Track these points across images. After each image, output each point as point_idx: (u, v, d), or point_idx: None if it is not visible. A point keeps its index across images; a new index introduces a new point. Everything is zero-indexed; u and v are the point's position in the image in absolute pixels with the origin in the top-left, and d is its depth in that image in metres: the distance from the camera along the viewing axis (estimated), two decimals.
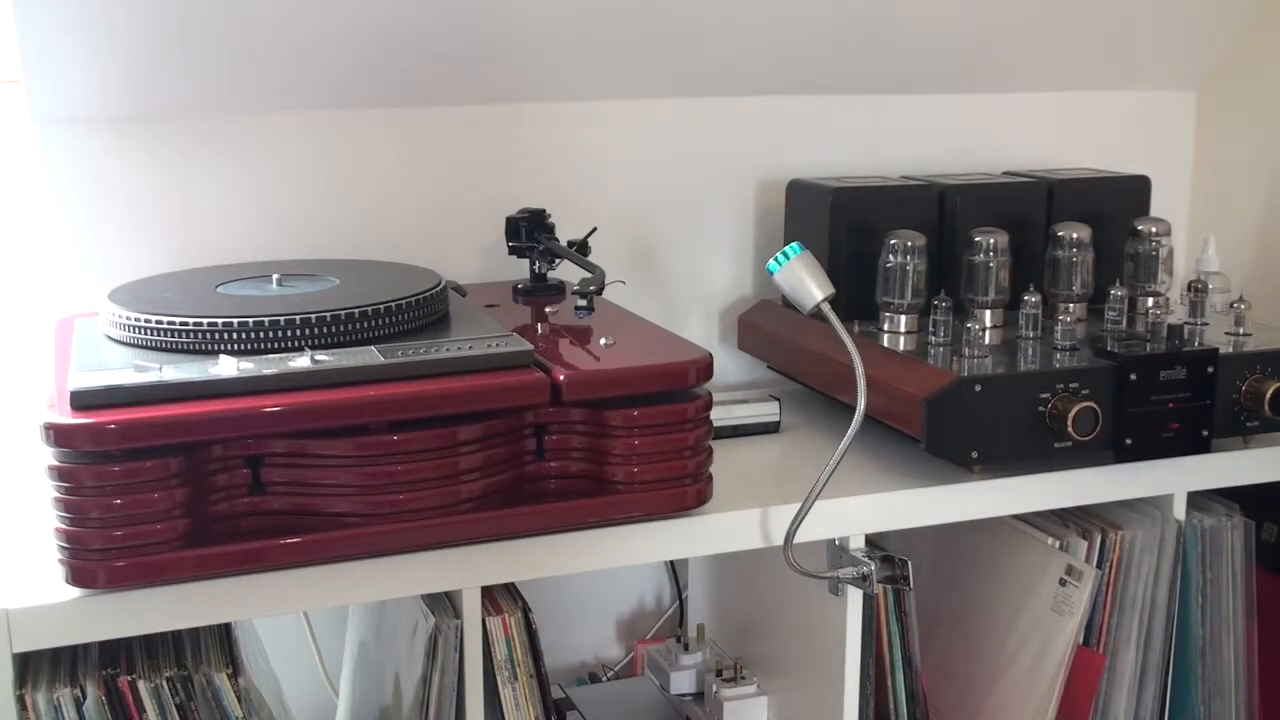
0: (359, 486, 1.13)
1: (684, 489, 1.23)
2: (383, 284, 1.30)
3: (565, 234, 1.54)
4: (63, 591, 1.08)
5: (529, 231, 1.52)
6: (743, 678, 1.53)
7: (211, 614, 1.12)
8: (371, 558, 1.15)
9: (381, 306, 1.22)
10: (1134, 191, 1.67)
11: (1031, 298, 1.46)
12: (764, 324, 1.65)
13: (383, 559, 1.15)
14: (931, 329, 1.45)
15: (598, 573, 1.52)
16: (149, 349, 1.19)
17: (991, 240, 1.50)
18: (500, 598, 1.27)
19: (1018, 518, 1.46)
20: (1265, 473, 1.46)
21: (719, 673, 1.54)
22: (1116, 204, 1.64)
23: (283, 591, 1.13)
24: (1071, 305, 1.52)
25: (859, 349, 1.25)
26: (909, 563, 1.32)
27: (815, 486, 1.24)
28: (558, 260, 1.51)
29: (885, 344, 1.46)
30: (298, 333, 1.18)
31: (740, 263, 1.75)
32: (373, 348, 1.18)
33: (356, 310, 1.21)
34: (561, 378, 1.18)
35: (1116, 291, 1.48)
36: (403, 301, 1.24)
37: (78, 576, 1.07)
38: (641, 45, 1.59)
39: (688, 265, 1.73)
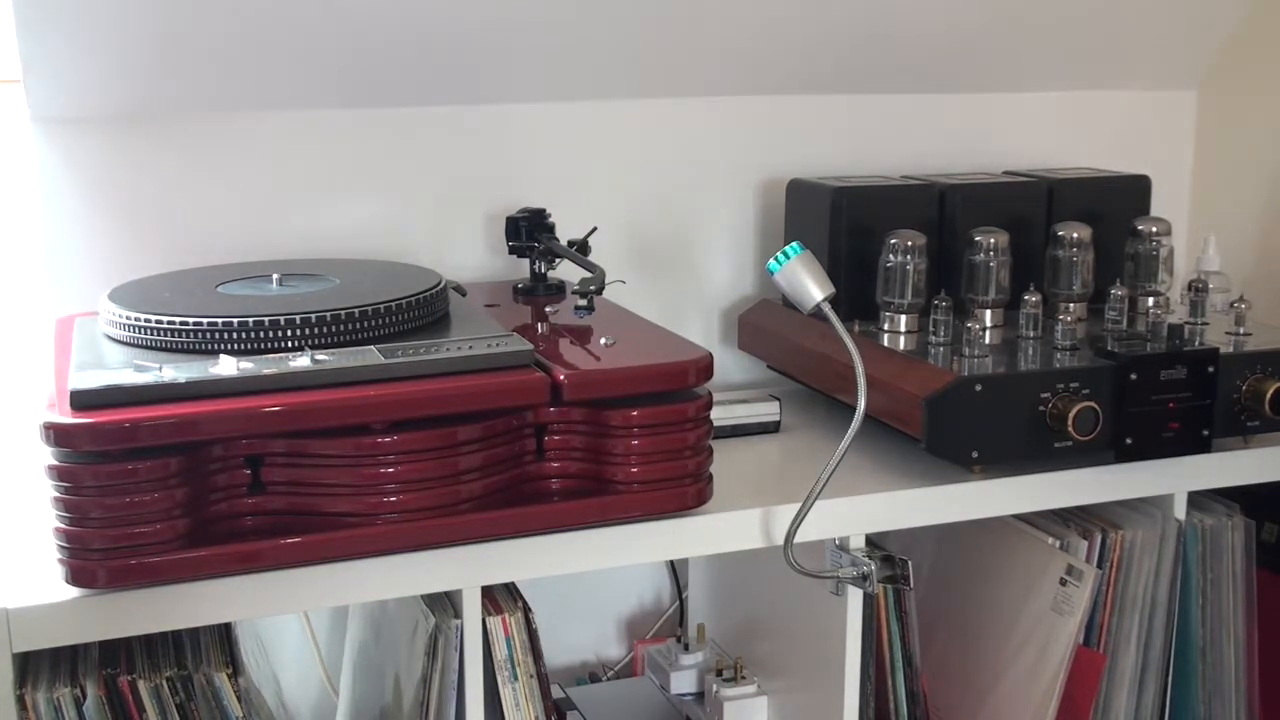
0: (359, 486, 1.13)
1: (684, 489, 1.23)
2: (383, 284, 1.30)
3: (565, 234, 1.54)
4: (63, 591, 1.08)
5: (529, 231, 1.52)
6: (743, 678, 1.53)
7: (211, 614, 1.12)
8: (371, 558, 1.15)
9: (381, 306, 1.22)
10: (1134, 191, 1.67)
11: (1032, 297, 1.46)
12: (764, 324, 1.65)
13: (383, 559, 1.15)
14: (931, 329, 1.45)
15: (598, 573, 1.52)
16: (149, 349, 1.19)
17: (992, 240, 1.50)
18: (500, 598, 1.27)
19: (1018, 517, 1.46)
20: (1265, 473, 1.46)
21: (719, 673, 1.54)
22: (1116, 204, 1.64)
23: (283, 591, 1.13)
24: (1072, 305, 1.52)
25: (859, 349, 1.25)
26: (909, 563, 1.32)
27: (815, 486, 1.24)
28: (558, 260, 1.51)
29: (885, 344, 1.46)
30: (298, 333, 1.18)
31: (740, 263, 1.75)
32: (373, 348, 1.18)
33: (356, 310, 1.21)
34: (562, 377, 1.18)
35: (1117, 291, 1.48)
36: (403, 301, 1.24)
37: (78, 576, 1.07)
38: (642, 45, 1.59)
39: (688, 265, 1.73)
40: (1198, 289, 1.53)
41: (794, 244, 1.30)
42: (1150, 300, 1.57)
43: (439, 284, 1.32)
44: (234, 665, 1.18)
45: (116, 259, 1.47)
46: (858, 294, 1.54)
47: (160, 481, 1.07)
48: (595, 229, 1.55)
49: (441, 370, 1.16)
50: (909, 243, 1.48)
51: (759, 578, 1.52)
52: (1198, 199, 1.95)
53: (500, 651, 1.24)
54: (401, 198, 1.59)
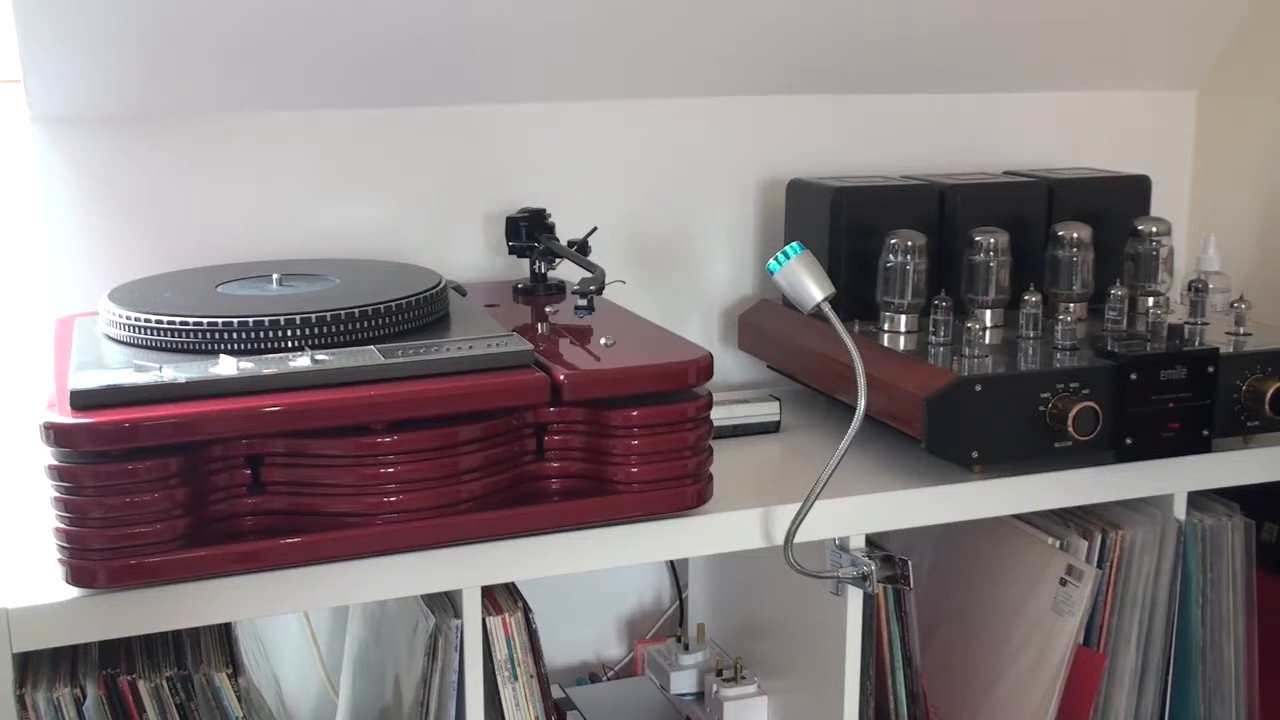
0: (359, 486, 1.13)
1: (684, 489, 1.23)
2: (383, 284, 1.30)
3: (565, 234, 1.54)
4: (63, 591, 1.08)
5: (529, 231, 1.53)
6: (743, 678, 1.53)
7: (211, 614, 1.12)
8: (371, 557, 1.15)
9: (381, 306, 1.22)
10: (1134, 191, 1.67)
11: (1032, 297, 1.46)
12: (764, 324, 1.65)
13: (383, 559, 1.15)
14: (932, 329, 1.45)
15: (598, 573, 1.52)
16: (149, 349, 1.19)
17: (992, 240, 1.50)
18: (500, 598, 1.27)
19: (1018, 517, 1.46)
20: (1265, 473, 1.46)
21: (719, 673, 1.54)
22: (1116, 204, 1.64)
23: (283, 591, 1.13)
24: (1072, 305, 1.52)
25: (859, 349, 1.25)
26: (909, 563, 1.32)
27: (815, 486, 1.24)
28: (558, 260, 1.51)
29: (885, 344, 1.46)
30: (298, 333, 1.18)
31: (740, 263, 1.75)
32: (373, 348, 1.18)
33: (356, 310, 1.21)
34: (562, 377, 1.18)
35: (1117, 291, 1.48)
36: (403, 301, 1.24)
37: (78, 576, 1.07)
38: (642, 45, 1.59)
39: (688, 265, 1.73)
40: (1198, 289, 1.53)
41: (794, 244, 1.30)
42: (1150, 300, 1.57)
43: (439, 284, 1.32)
44: (234, 665, 1.18)
45: (116, 259, 1.47)
46: (858, 294, 1.53)
47: (160, 481, 1.07)
48: (595, 229, 1.55)
49: (441, 370, 1.16)
50: (909, 243, 1.48)
51: (759, 578, 1.52)
52: (1198, 199, 1.95)
53: (500, 651, 1.24)
54: (401, 198, 1.59)
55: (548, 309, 1.45)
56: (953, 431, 1.32)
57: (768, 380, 1.71)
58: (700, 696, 1.58)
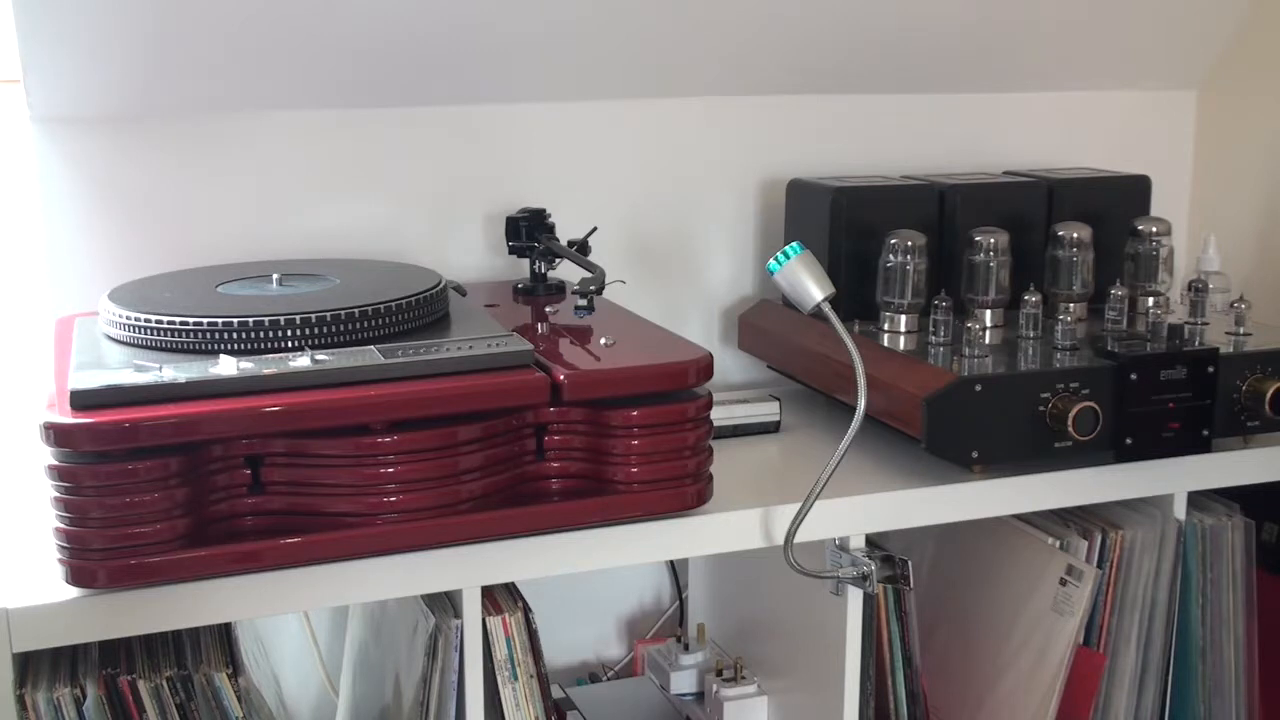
0: (359, 486, 1.13)
1: (684, 489, 1.23)
2: (383, 284, 1.30)
3: (565, 234, 1.54)
4: (63, 591, 1.08)
5: (529, 231, 1.53)
6: (743, 678, 1.53)
7: (211, 614, 1.12)
8: (371, 557, 1.15)
9: (381, 306, 1.22)
10: (1134, 191, 1.67)
11: (1032, 297, 1.46)
12: (764, 324, 1.65)
13: (383, 559, 1.15)
14: (932, 329, 1.45)
15: (598, 573, 1.52)
16: (149, 349, 1.19)
17: (992, 240, 1.50)
18: (500, 598, 1.27)
19: (1018, 517, 1.46)
20: (1265, 473, 1.46)
21: (719, 673, 1.54)
22: (1116, 204, 1.64)
23: (283, 591, 1.13)
24: (1072, 305, 1.52)
25: (859, 349, 1.25)
26: (909, 563, 1.32)
27: (815, 486, 1.24)
28: (558, 260, 1.51)
29: (885, 344, 1.46)
30: (298, 333, 1.18)
31: (740, 263, 1.75)
32: (373, 348, 1.18)
33: (356, 310, 1.21)
34: (562, 377, 1.18)
35: (1117, 291, 1.48)
36: (403, 301, 1.24)
37: (78, 576, 1.07)
38: (642, 45, 1.59)
39: (688, 265, 1.73)
40: (1198, 289, 1.53)
41: (794, 244, 1.30)
42: (1150, 300, 1.57)
43: (439, 284, 1.32)
44: (234, 665, 1.18)
45: (116, 259, 1.47)
46: (858, 294, 1.53)
47: (160, 481, 1.07)
48: (595, 229, 1.55)
49: (441, 370, 1.16)
50: (909, 243, 1.48)
51: (759, 578, 1.52)
52: (1198, 199, 1.95)
53: (500, 651, 1.24)
54: (401, 198, 1.59)
55: (548, 309, 1.45)
56: (953, 431, 1.32)
57: (768, 380, 1.71)
58: (700, 696, 1.58)
